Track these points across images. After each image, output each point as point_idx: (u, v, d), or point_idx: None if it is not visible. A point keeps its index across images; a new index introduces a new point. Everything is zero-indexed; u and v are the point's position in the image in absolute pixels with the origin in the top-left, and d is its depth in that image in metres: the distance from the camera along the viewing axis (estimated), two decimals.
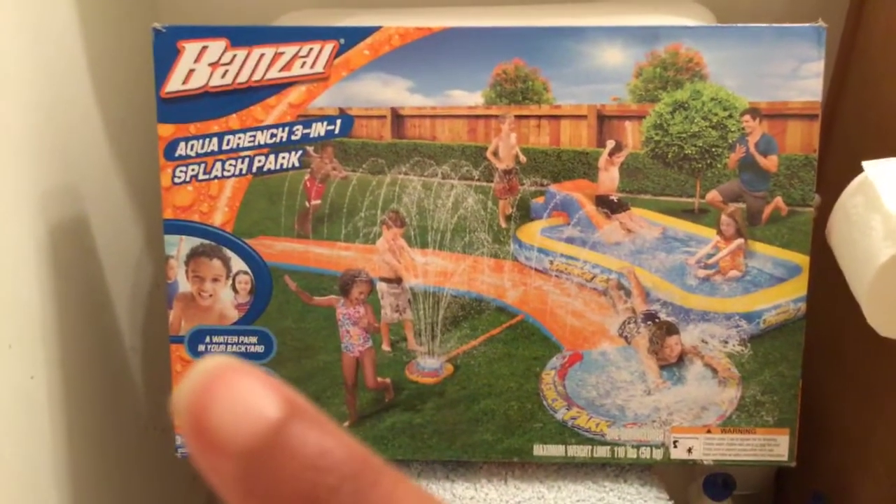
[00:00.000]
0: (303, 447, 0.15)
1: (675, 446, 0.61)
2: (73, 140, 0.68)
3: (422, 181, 0.59)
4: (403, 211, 0.59)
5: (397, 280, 0.60)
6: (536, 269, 0.59)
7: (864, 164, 0.54)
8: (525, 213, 0.59)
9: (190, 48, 0.57)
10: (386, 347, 0.61)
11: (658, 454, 0.61)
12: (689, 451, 0.61)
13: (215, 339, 0.61)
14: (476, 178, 0.58)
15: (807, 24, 0.55)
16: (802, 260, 0.58)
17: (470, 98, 0.57)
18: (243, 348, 0.61)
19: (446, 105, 0.58)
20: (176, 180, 0.59)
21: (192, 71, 0.58)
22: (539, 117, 0.58)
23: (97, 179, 0.73)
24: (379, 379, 0.61)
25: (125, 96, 0.77)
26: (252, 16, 0.79)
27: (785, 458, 0.61)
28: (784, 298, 0.59)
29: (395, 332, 0.61)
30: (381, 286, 0.60)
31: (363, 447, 0.16)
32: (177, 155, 0.59)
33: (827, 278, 0.59)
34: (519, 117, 0.58)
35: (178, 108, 0.58)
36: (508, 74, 0.57)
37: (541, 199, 0.59)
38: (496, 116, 0.58)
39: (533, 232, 0.59)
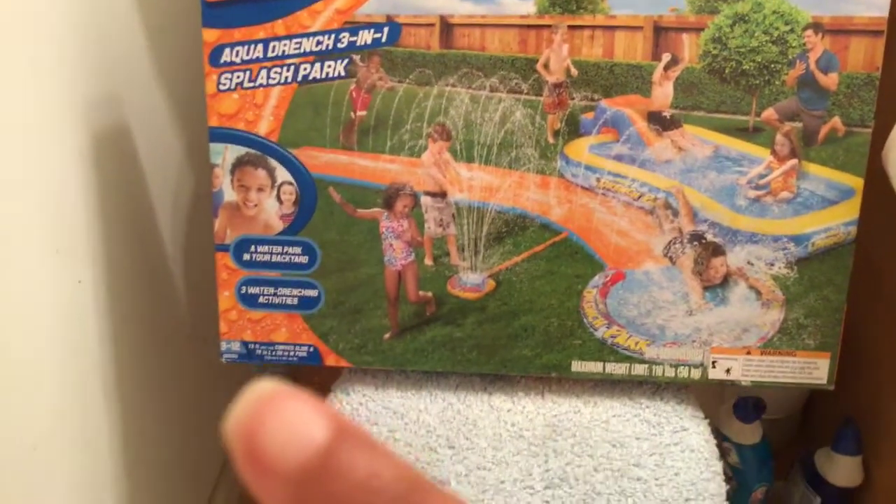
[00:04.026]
0: (352, 470, 0.15)
1: (714, 366, 0.61)
2: (115, 47, 0.67)
3: (469, 94, 0.57)
4: (450, 124, 0.58)
5: (442, 194, 0.59)
6: (583, 187, 0.59)
7: None
8: (574, 129, 0.58)
9: None
10: (429, 262, 0.61)
11: (696, 374, 0.61)
12: (728, 371, 0.61)
13: (260, 248, 0.62)
14: (525, 91, 0.57)
15: None
16: (856, 182, 0.57)
17: (522, 6, 0.56)
18: (287, 258, 0.62)
19: (497, 14, 0.56)
20: (221, 87, 0.58)
21: None
22: (593, 28, 0.56)
23: (139, 87, 0.72)
24: (421, 293, 0.61)
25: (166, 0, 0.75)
26: None
27: (824, 382, 0.61)
28: (835, 221, 0.58)
29: (438, 246, 0.61)
30: (426, 200, 0.60)
31: (412, 467, 0.16)
32: (222, 61, 0.58)
33: (869, 202, 0.57)
34: (572, 28, 0.56)
35: (223, 12, 0.57)
36: None
37: (590, 115, 0.57)
38: (548, 26, 0.56)
39: (581, 148, 0.58)
